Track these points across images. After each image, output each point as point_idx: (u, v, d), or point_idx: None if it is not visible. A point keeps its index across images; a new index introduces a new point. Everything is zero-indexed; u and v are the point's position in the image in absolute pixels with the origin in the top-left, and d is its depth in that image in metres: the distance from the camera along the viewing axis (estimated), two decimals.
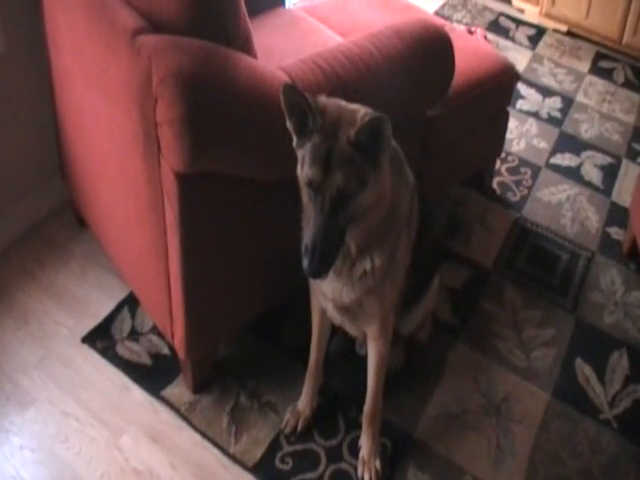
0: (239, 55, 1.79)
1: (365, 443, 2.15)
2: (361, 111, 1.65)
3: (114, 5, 1.82)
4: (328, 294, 1.91)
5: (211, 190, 1.87)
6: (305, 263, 1.63)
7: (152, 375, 2.32)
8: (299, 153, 1.66)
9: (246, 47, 1.85)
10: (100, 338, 2.41)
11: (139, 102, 1.73)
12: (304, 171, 1.63)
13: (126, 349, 2.38)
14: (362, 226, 1.71)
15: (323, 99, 1.67)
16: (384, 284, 1.87)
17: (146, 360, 2.36)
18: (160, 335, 2.41)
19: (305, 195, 1.69)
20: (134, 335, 2.43)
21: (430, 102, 2.41)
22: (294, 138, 1.66)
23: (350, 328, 2.10)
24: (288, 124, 1.64)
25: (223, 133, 1.73)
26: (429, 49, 2.24)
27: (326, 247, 1.62)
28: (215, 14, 1.75)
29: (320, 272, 1.66)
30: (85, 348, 2.39)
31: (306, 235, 1.66)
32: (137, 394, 2.28)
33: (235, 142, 1.77)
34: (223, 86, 1.70)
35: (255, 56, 1.89)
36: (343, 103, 1.69)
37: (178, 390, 2.29)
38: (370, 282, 1.83)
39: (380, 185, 1.66)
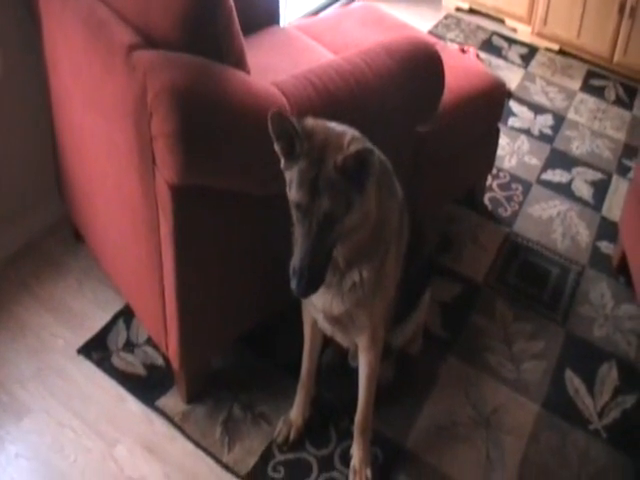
0: (232, 71, 1.83)
1: (356, 452, 2.17)
2: (348, 135, 1.67)
3: (110, 22, 1.86)
4: (318, 305, 1.94)
5: (204, 202, 1.90)
6: (293, 284, 1.66)
7: (147, 386, 2.35)
8: (287, 175, 1.68)
9: (240, 63, 1.89)
10: (95, 349, 2.44)
11: (134, 117, 1.78)
12: (291, 194, 1.66)
13: (121, 360, 2.41)
14: (348, 243, 1.75)
15: (310, 122, 1.68)
16: (374, 297, 1.90)
17: (141, 371, 2.39)
18: (155, 346, 2.43)
19: (293, 215, 1.72)
20: (129, 346, 2.46)
21: (420, 118, 2.44)
22: (282, 160, 1.68)
23: (341, 339, 2.13)
24: (276, 147, 1.66)
25: (215, 147, 1.77)
26: (419, 66, 2.27)
27: (313, 269, 1.66)
28: (209, 30, 1.79)
29: (307, 293, 1.71)
30: (81, 359, 2.42)
31: (294, 257, 1.68)
32: (132, 404, 2.31)
33: (227, 156, 1.80)
34: (216, 101, 1.74)
35: (248, 72, 1.93)
36: (331, 125, 1.71)
37: (172, 400, 2.31)
38: (359, 294, 1.86)
39: (365, 206, 1.69)
